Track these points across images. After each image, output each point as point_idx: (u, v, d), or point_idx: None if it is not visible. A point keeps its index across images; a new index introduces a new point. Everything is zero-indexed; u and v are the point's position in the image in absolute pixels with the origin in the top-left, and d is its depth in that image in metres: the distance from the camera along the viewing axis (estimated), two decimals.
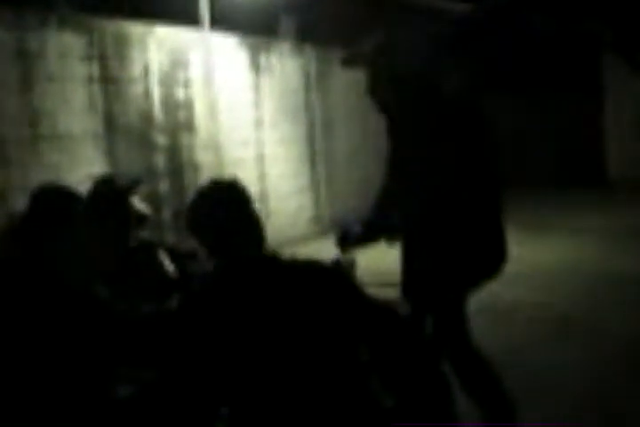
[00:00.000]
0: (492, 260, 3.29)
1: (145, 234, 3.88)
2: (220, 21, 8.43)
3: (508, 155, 13.42)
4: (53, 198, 3.34)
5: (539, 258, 7.83)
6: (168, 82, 7.67)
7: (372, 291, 2.37)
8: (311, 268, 2.30)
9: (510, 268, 3.32)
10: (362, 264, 3.34)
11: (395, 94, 3.31)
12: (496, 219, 3.30)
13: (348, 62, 3.52)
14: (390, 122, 3.36)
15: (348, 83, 11.22)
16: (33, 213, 3.38)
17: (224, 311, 2.22)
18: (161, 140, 7.53)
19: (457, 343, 3.28)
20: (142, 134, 7.29)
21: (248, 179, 8.86)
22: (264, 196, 9.21)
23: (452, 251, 3.19)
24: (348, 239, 3.39)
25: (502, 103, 14.76)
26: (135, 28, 7.29)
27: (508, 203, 3.42)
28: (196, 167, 8.04)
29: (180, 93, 7.83)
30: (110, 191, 3.69)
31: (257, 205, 2.44)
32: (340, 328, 2.23)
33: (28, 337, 2.62)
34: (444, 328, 3.27)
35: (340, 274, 2.40)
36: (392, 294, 3.36)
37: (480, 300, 3.54)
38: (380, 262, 3.63)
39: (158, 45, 7.53)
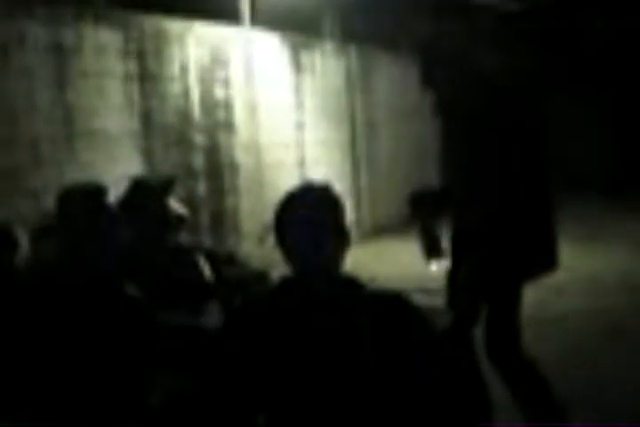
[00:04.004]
0: (542, 257, 3.29)
1: (182, 236, 3.82)
2: (261, 18, 8.29)
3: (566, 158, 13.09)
4: (82, 198, 3.25)
5: (590, 267, 7.54)
6: (207, 80, 7.50)
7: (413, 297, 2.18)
8: (392, 305, 2.08)
9: (561, 276, 3.31)
10: (400, 269, 3.25)
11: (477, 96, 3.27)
12: (548, 218, 3.30)
13: None
14: (450, 121, 3.36)
15: (392, 83, 11.03)
16: (64, 214, 3.28)
17: (278, 326, 2.06)
18: (199, 139, 7.36)
19: (508, 343, 3.24)
20: (180, 134, 7.13)
21: (288, 182, 8.67)
22: None
23: (510, 245, 3.20)
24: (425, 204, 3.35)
25: (555, 102, 14.41)
26: (174, 25, 7.13)
27: (563, 208, 3.42)
28: (234, 168, 7.87)
29: (219, 92, 7.65)
30: (146, 191, 3.61)
31: None
32: (396, 370, 2.04)
33: (63, 339, 2.58)
34: (498, 322, 3.24)
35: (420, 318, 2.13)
36: (436, 301, 3.28)
37: (529, 308, 3.48)
38: (418, 267, 3.60)
39: (197, 42, 7.37)
